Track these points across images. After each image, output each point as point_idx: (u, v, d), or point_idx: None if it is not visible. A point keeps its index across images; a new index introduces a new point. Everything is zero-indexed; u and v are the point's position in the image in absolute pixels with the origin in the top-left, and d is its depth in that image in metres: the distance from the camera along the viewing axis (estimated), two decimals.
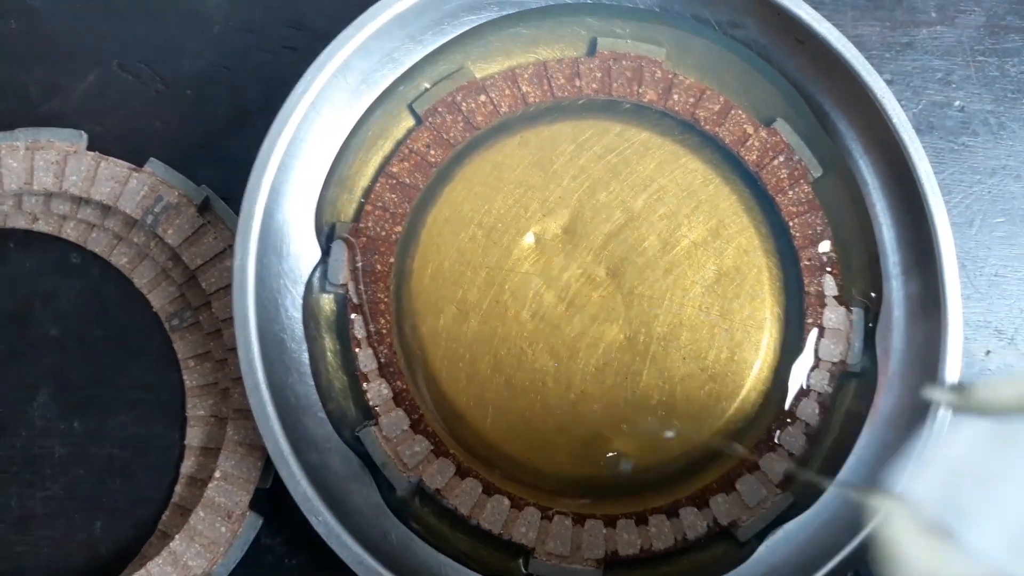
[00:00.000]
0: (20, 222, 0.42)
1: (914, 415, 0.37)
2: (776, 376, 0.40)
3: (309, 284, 0.38)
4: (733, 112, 0.42)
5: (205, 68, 0.45)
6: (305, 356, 0.38)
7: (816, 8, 0.40)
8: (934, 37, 0.48)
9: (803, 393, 0.39)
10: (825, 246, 0.40)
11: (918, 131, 0.39)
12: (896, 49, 0.48)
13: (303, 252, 0.39)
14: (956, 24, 0.49)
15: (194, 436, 0.40)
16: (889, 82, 0.40)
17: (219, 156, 0.43)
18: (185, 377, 0.41)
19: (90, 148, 0.42)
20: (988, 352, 0.44)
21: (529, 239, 0.40)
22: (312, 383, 0.37)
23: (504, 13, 0.41)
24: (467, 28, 0.41)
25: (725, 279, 0.40)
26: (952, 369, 0.37)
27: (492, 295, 0.39)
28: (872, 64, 0.39)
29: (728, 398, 0.39)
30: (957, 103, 0.47)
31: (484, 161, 0.41)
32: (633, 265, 0.40)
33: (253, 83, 0.45)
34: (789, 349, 0.40)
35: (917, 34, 0.48)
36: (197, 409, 0.40)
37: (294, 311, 0.38)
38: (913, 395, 0.38)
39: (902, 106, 0.39)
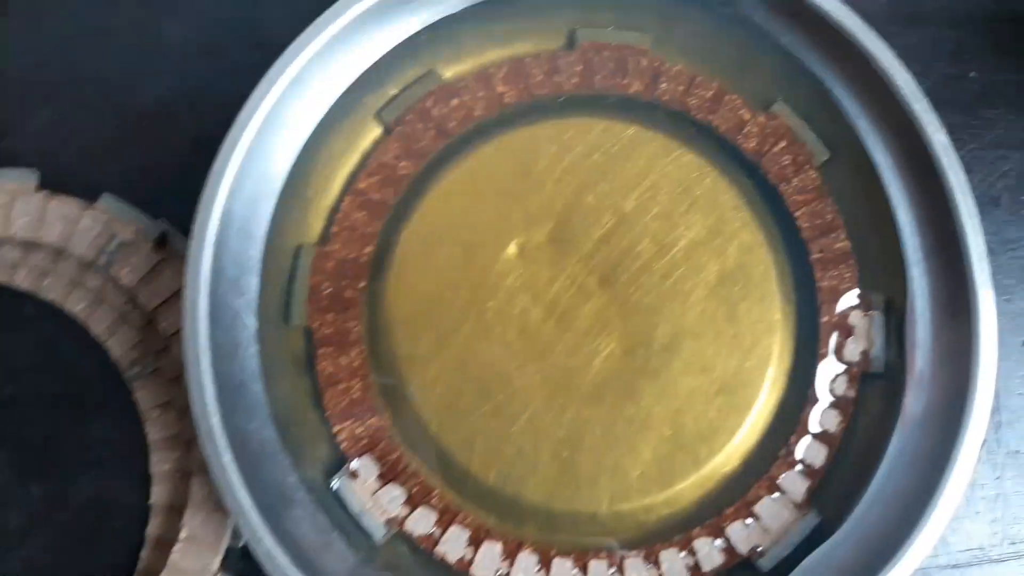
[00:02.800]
0: None
1: (948, 416, 0.33)
2: (791, 382, 0.36)
3: (271, 318, 0.35)
4: (727, 98, 0.38)
5: (164, 96, 0.42)
6: (269, 399, 0.34)
7: None
8: (942, 6, 0.45)
9: (822, 400, 0.35)
10: (837, 235, 0.36)
11: (932, 106, 0.35)
12: (902, 22, 0.44)
13: (265, 284, 0.35)
14: None
15: (159, 494, 0.37)
16: (896, 56, 0.36)
17: (181, 188, 0.40)
18: (148, 430, 0.37)
19: (44, 187, 0.39)
20: None
21: (512, 251, 0.37)
22: (276, 428, 0.34)
23: (471, 4, 0.38)
24: (433, 21, 0.38)
25: (729, 280, 0.36)
26: (987, 363, 0.33)
27: (474, 315, 0.36)
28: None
29: (740, 411, 0.35)
30: (972, 74, 0.44)
31: (459, 171, 0.37)
32: (627, 272, 0.36)
33: (215, 108, 0.41)
34: (804, 352, 0.36)
35: (923, 4, 0.45)
36: (162, 464, 0.37)
37: (255, 349, 0.34)
38: (945, 394, 0.34)
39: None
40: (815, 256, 0.36)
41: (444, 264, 0.36)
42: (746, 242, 0.37)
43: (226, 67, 0.42)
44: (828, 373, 0.36)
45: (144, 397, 0.38)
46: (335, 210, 0.37)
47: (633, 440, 0.35)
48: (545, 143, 0.38)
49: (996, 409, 0.39)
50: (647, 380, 0.35)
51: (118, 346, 0.38)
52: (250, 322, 0.34)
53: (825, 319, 0.36)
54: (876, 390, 0.35)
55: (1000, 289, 0.40)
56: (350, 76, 0.37)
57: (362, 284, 0.36)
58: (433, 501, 0.34)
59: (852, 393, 0.35)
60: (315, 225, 0.37)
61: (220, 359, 0.32)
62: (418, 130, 0.38)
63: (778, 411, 0.36)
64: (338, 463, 0.34)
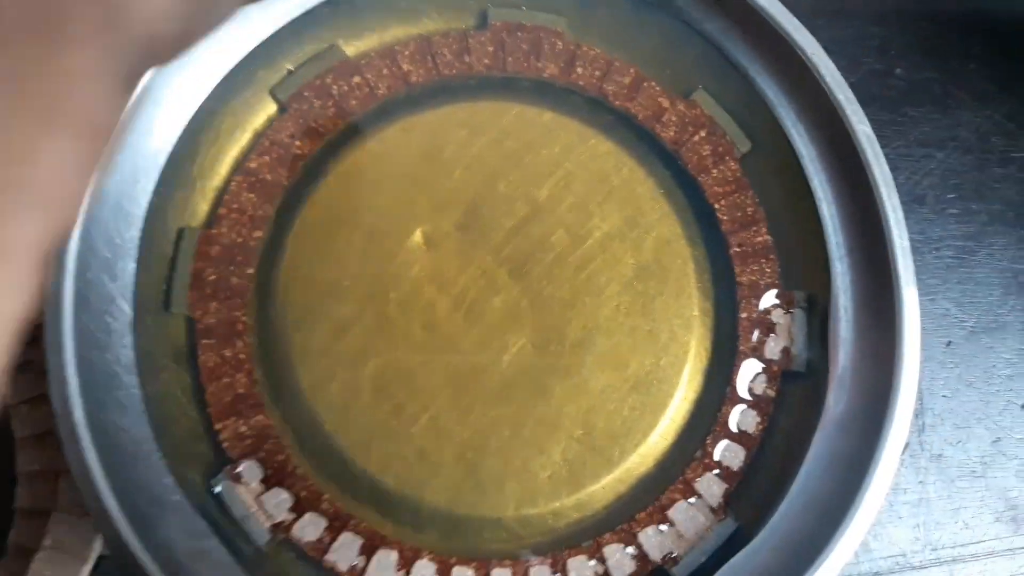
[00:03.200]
0: None
1: (870, 417, 0.31)
2: (708, 380, 0.34)
3: (150, 306, 0.32)
4: (646, 85, 0.36)
5: None
6: (145, 393, 0.31)
7: None
8: (869, 2, 0.44)
9: (741, 399, 0.34)
10: (759, 228, 0.35)
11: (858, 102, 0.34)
12: (827, 16, 0.43)
13: (143, 269, 0.32)
14: None
15: (23, 497, 0.33)
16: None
17: None
18: (15, 427, 0.34)
19: None
20: (949, 343, 0.39)
21: (417, 240, 0.34)
22: (151, 425, 0.31)
23: None
24: None
25: (645, 274, 0.34)
26: (910, 362, 0.31)
27: (375, 308, 0.33)
28: None
29: (655, 410, 0.33)
30: (898, 71, 0.43)
31: (362, 153, 0.35)
32: (539, 264, 0.34)
33: None
34: (722, 349, 0.34)
35: None
36: (29, 464, 0.34)
37: (130, 339, 0.31)
38: (868, 394, 0.32)
39: None
40: (735, 250, 0.35)
41: (342, 252, 0.34)
42: (663, 235, 0.35)
43: None
44: (747, 372, 0.34)
45: (13, 390, 0.34)
46: (223, 191, 0.34)
47: (542, 441, 0.33)
48: (454, 127, 0.35)
49: (919, 412, 0.38)
50: (558, 378, 0.33)
51: None
52: (125, 309, 0.31)
53: (745, 315, 0.34)
54: (797, 390, 0.34)
55: (924, 289, 0.39)
56: (243, 48, 0.34)
57: (250, 271, 0.33)
58: (323, 506, 0.32)
59: (772, 392, 0.34)
60: (200, 207, 0.34)
61: (89, 348, 0.29)
62: (316, 108, 0.35)
63: (695, 411, 0.34)
64: (220, 464, 0.32)
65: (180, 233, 0.33)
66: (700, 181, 0.35)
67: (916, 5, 0.44)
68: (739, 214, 0.35)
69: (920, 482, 0.37)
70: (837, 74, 0.34)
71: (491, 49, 0.36)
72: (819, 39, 0.36)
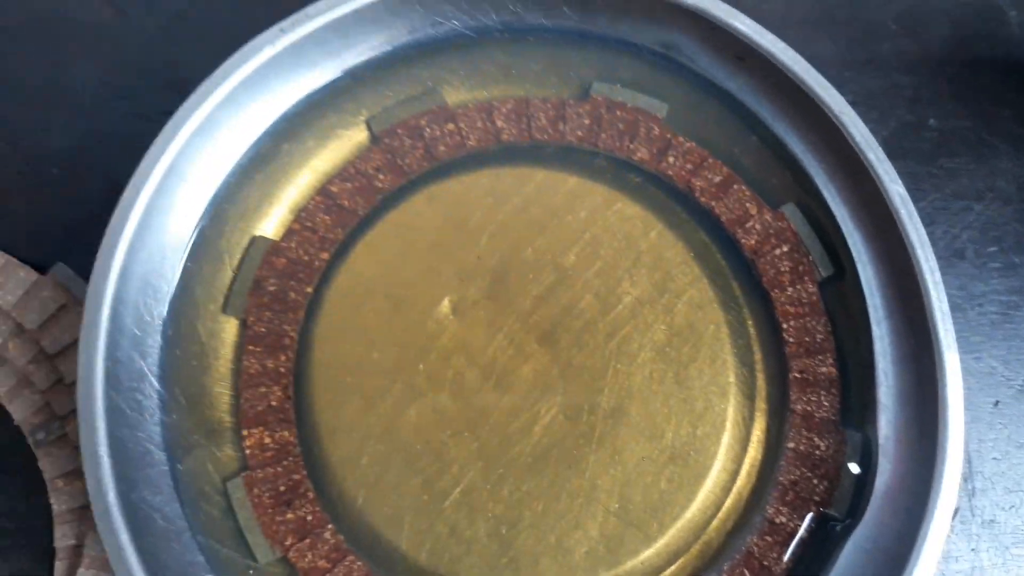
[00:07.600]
0: None
1: (917, 484, 0.30)
2: (750, 453, 0.33)
3: (179, 381, 0.32)
4: (736, 187, 0.35)
5: (75, 142, 0.40)
6: (176, 469, 0.31)
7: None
8: (899, 50, 0.43)
9: (770, 525, 0.32)
10: (825, 358, 0.34)
11: (891, 157, 0.33)
12: (856, 67, 0.43)
13: (172, 345, 0.32)
14: (919, 35, 0.43)
15: (62, 570, 0.33)
16: (852, 103, 0.34)
17: (94, 238, 0.37)
18: (52, 500, 0.34)
19: None
20: (997, 403, 0.38)
21: (445, 309, 0.34)
22: (182, 502, 0.31)
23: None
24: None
25: (678, 339, 0.34)
26: (954, 428, 0.30)
27: (404, 378, 0.33)
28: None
29: (693, 482, 0.32)
30: (931, 121, 0.42)
31: (388, 224, 0.35)
32: (569, 331, 0.34)
33: (128, 155, 0.39)
34: (767, 417, 0.33)
35: (879, 49, 0.43)
36: (67, 538, 0.34)
37: (160, 416, 0.31)
38: (913, 460, 0.31)
39: (870, 130, 0.34)
40: (794, 375, 0.33)
41: (370, 321, 0.34)
42: (695, 299, 0.34)
43: (138, 110, 0.40)
44: (782, 503, 0.32)
45: (49, 465, 0.34)
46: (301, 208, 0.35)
47: (578, 515, 0.32)
48: (479, 195, 0.35)
49: (968, 476, 0.36)
50: (592, 448, 0.33)
51: (21, 409, 0.35)
52: (156, 385, 0.31)
53: (792, 446, 0.33)
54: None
55: (968, 347, 0.38)
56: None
57: (309, 289, 0.34)
58: (326, 535, 0.31)
59: (805, 534, 0.32)
60: (224, 281, 0.34)
61: (120, 426, 0.30)
62: (406, 146, 0.36)
63: (733, 483, 0.33)
64: (239, 469, 0.32)
65: (252, 241, 0.34)
66: (772, 296, 0.34)
67: (947, 51, 0.43)
68: (807, 339, 0.34)
69: (972, 549, 0.36)
70: (867, 132, 0.33)
71: (587, 122, 0.36)
72: (848, 92, 0.35)
